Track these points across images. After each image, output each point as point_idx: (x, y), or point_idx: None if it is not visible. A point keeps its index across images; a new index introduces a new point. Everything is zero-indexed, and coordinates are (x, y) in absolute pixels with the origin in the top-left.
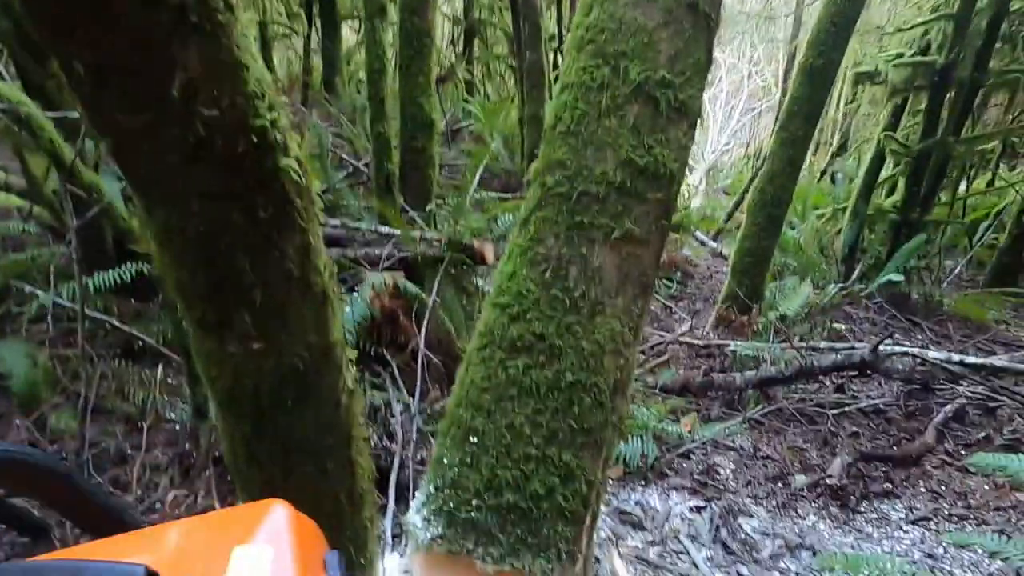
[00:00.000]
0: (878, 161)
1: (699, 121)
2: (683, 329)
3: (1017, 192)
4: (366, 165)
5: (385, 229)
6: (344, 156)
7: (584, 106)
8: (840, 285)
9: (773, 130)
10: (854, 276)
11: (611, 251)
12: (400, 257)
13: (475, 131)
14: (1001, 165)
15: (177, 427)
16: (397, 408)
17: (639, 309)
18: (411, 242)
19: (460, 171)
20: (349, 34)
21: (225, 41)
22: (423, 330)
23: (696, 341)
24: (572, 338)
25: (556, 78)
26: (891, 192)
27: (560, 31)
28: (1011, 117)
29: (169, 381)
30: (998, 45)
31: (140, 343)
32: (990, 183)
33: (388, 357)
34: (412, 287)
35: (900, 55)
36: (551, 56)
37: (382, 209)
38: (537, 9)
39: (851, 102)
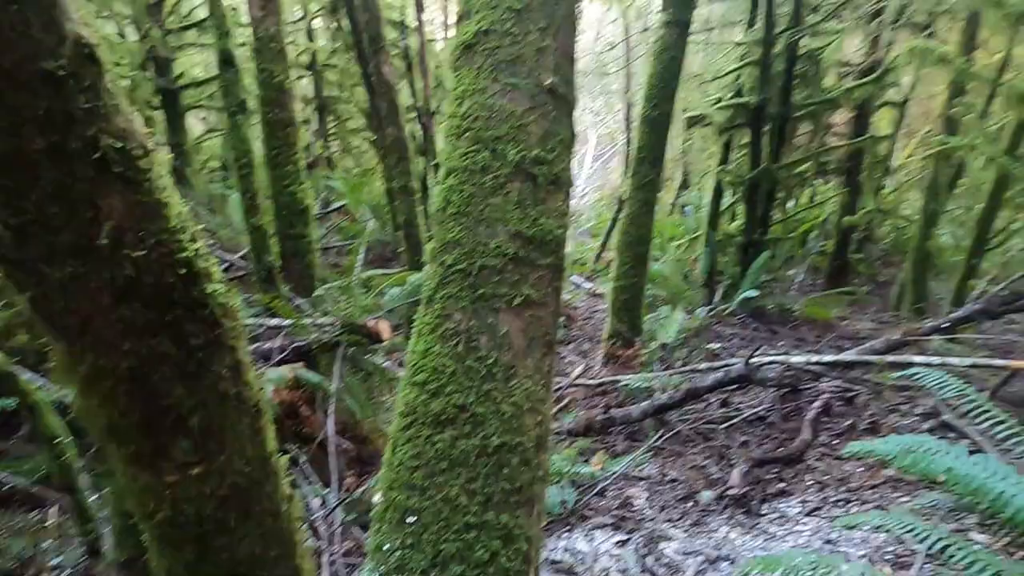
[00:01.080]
0: (718, 192)
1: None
2: (577, 372)
3: (833, 203)
4: (242, 258)
5: (274, 321)
6: (215, 252)
7: (471, 188)
8: (707, 308)
9: (625, 174)
10: (717, 298)
11: (515, 317)
12: (294, 347)
13: (343, 207)
14: (817, 182)
15: (68, 572)
16: (315, 503)
17: (547, 366)
18: (304, 330)
19: (336, 249)
20: (196, 124)
21: (147, 184)
22: (330, 419)
23: (591, 381)
24: (492, 404)
25: (421, 150)
26: (734, 218)
27: (416, 105)
28: (816, 142)
29: (47, 525)
30: (796, 83)
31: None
32: (811, 199)
33: (295, 452)
34: (312, 376)
35: (720, 99)
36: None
37: (268, 302)
38: (393, 87)
39: (687, 142)
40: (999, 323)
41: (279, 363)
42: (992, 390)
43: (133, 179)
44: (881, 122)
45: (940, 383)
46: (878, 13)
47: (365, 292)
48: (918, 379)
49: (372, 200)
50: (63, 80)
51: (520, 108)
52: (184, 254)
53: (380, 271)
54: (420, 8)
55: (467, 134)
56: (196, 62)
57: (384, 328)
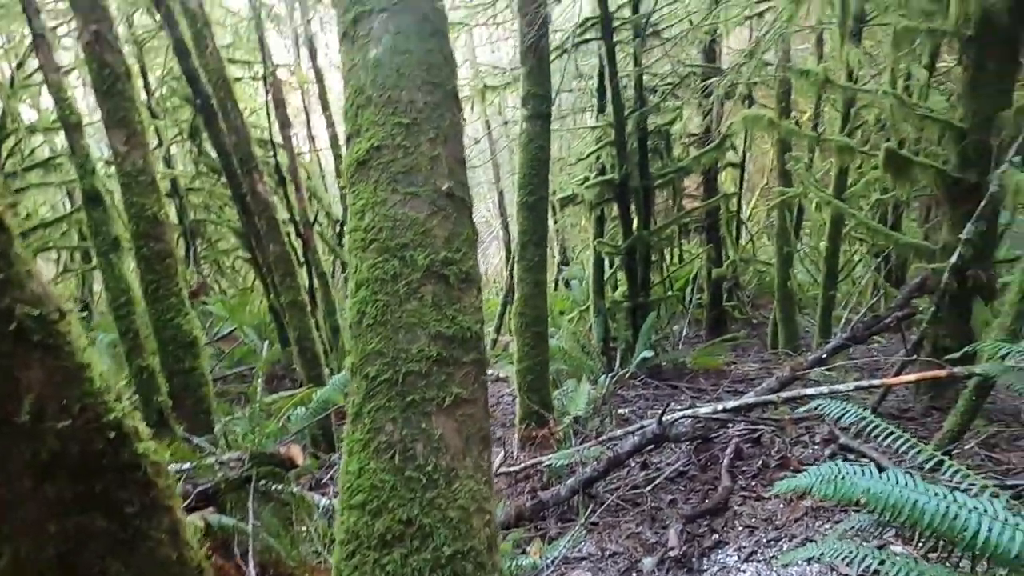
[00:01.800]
0: (599, 263)
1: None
2: (498, 461)
3: (700, 259)
4: (129, 400)
5: (174, 467)
6: None
7: (384, 297)
8: (610, 375)
9: (509, 259)
10: (616, 364)
11: (448, 418)
12: (198, 492)
13: (231, 332)
14: (683, 242)
15: None
16: None
17: (486, 462)
18: (208, 471)
19: (229, 377)
20: (47, 265)
21: (66, 348)
22: (250, 562)
23: (512, 468)
24: (438, 511)
25: (302, 262)
26: (617, 285)
27: (294, 218)
28: (676, 206)
29: None
30: (651, 156)
31: None
32: (680, 257)
33: None
34: (224, 519)
35: (587, 178)
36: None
37: (165, 447)
38: (269, 205)
39: (558, 221)
40: (864, 345)
41: (188, 511)
42: (873, 407)
43: (52, 345)
44: (726, 182)
45: (840, 412)
46: (707, 90)
47: (269, 418)
48: (821, 411)
49: (255, 320)
50: None
51: (422, 214)
52: (111, 415)
53: (285, 393)
54: (286, 124)
55: (373, 245)
56: (40, 201)
57: (296, 453)
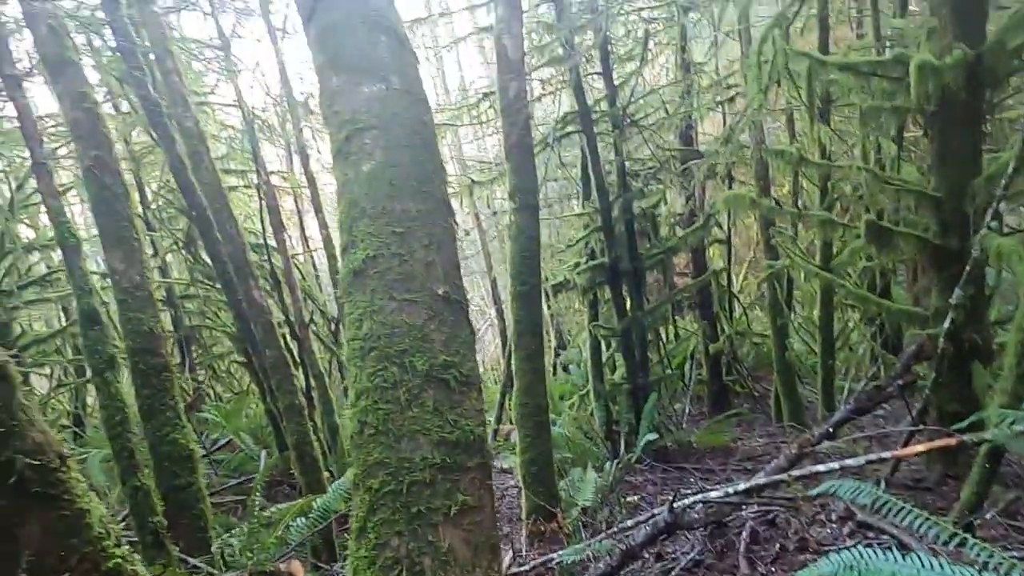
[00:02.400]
0: (596, 346)
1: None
2: (507, 562)
3: (695, 334)
4: (122, 522)
5: None
6: None
7: (385, 405)
8: (615, 461)
9: (505, 346)
10: (621, 449)
11: (455, 528)
12: None
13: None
14: (677, 319)
15: None
16: None
17: (496, 570)
18: None
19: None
20: (39, 381)
21: (66, 497)
22: None
23: (523, 568)
24: None
25: (297, 362)
26: (615, 367)
27: (289, 319)
28: (667, 284)
29: None
30: (640, 238)
31: None
32: (676, 334)
33: None
34: None
35: (578, 263)
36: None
37: (160, 573)
38: (265, 310)
39: (551, 307)
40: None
41: None
42: (886, 479)
43: (52, 495)
44: (715, 257)
45: (854, 492)
46: (687, 172)
47: (268, 528)
48: (833, 492)
49: (252, 425)
50: None
51: (420, 319)
52: (111, 562)
53: (284, 505)
54: (280, 229)
55: (372, 353)
56: (36, 316)
57: (297, 568)
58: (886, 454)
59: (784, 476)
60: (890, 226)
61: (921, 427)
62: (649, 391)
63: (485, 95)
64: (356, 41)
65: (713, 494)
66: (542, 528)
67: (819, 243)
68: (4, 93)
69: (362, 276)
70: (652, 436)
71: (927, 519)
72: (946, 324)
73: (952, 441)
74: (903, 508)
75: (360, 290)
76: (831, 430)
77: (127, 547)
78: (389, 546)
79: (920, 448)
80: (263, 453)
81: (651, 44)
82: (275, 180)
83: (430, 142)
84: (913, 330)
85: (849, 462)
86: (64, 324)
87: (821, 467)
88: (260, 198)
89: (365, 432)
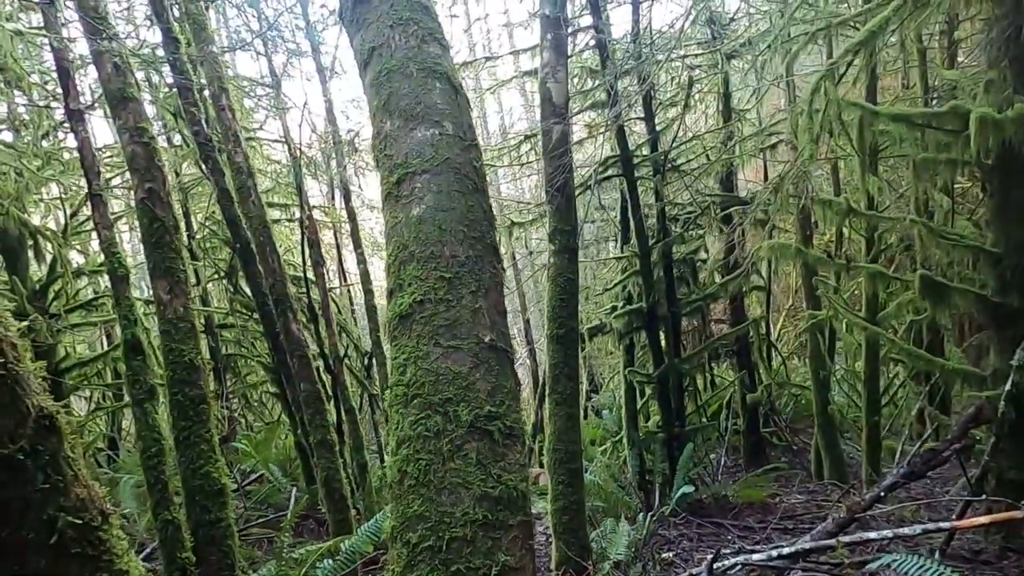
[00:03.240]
0: (631, 392)
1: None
2: None
3: (732, 384)
4: (147, 558)
5: None
6: None
7: (427, 455)
8: (649, 513)
9: (536, 388)
10: (656, 501)
11: None
12: None
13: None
14: (713, 367)
15: None
16: None
17: None
18: None
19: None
20: (78, 402)
21: (106, 558)
22: None
23: None
24: None
25: (330, 396)
26: (649, 416)
27: (324, 352)
28: (704, 332)
29: None
30: (677, 284)
31: None
32: (711, 382)
33: None
34: None
35: (615, 307)
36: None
37: None
38: (303, 343)
39: (584, 350)
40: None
41: None
42: (941, 549)
43: (92, 555)
44: (753, 304)
45: (915, 567)
46: (727, 218)
47: (296, 570)
48: (898, 568)
49: (281, 456)
50: (21, 464)
51: (465, 367)
52: None
53: (312, 546)
54: (319, 263)
55: (415, 400)
56: (79, 340)
57: None
58: (945, 524)
59: (832, 541)
60: (946, 282)
61: (983, 497)
62: (685, 441)
63: (526, 137)
64: (411, 86)
65: (756, 556)
66: None
67: (864, 295)
68: (66, 125)
69: (408, 321)
70: (688, 489)
71: None
72: (1007, 386)
73: (1018, 514)
74: None
75: (405, 335)
76: (883, 494)
77: None
78: None
79: (982, 520)
80: (293, 491)
81: (694, 90)
82: (316, 215)
83: (481, 188)
84: (969, 392)
85: (904, 531)
86: (106, 349)
87: (873, 534)
88: (303, 232)
89: (405, 482)
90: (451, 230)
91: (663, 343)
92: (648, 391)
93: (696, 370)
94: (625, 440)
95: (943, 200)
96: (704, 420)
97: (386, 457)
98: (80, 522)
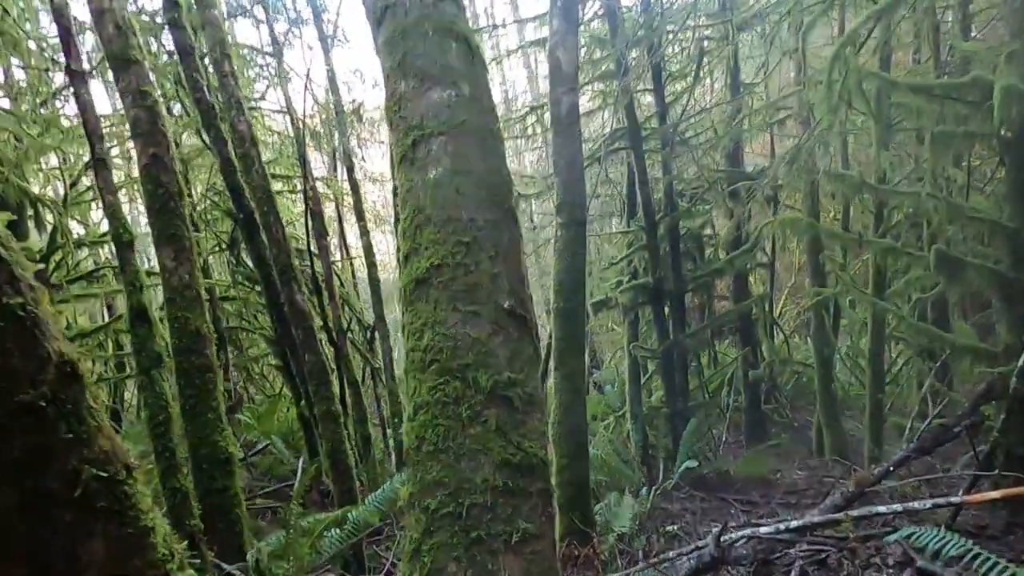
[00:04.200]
0: (635, 367)
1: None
2: None
3: (735, 361)
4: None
5: None
6: None
7: (445, 421)
8: (652, 487)
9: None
10: (660, 475)
11: (515, 557)
12: None
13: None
14: (715, 343)
15: None
16: None
17: None
18: None
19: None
20: None
21: (131, 513)
22: None
23: None
24: None
25: (333, 368)
26: (651, 392)
27: (327, 326)
28: (708, 308)
29: None
30: (683, 259)
31: None
32: (714, 360)
33: None
34: None
35: (620, 282)
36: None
37: None
38: (307, 314)
39: (591, 323)
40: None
41: None
42: (947, 524)
43: (117, 511)
44: (755, 282)
45: (918, 536)
46: (734, 193)
47: (303, 540)
48: (917, 542)
49: (283, 429)
50: (42, 410)
51: (484, 333)
52: None
53: (319, 515)
54: (322, 235)
55: (433, 366)
56: (80, 311)
57: None
58: (955, 499)
59: (841, 516)
60: (961, 256)
61: (995, 472)
62: (688, 416)
63: (532, 109)
64: (426, 46)
65: (763, 530)
66: (576, 553)
67: (872, 272)
68: (65, 93)
69: (425, 285)
70: (692, 464)
71: (996, 565)
72: (1020, 362)
73: None
74: (971, 551)
75: (422, 299)
76: (891, 469)
77: (191, 572)
78: (446, 572)
79: (993, 495)
80: (300, 461)
81: (703, 62)
82: (318, 186)
83: (498, 151)
84: (979, 368)
85: (914, 505)
86: (108, 320)
87: (882, 508)
88: (306, 203)
89: (423, 448)
90: (469, 193)
91: (668, 319)
92: (651, 367)
93: (700, 346)
94: (628, 415)
95: (957, 175)
96: (708, 398)
97: (404, 423)
98: (105, 475)
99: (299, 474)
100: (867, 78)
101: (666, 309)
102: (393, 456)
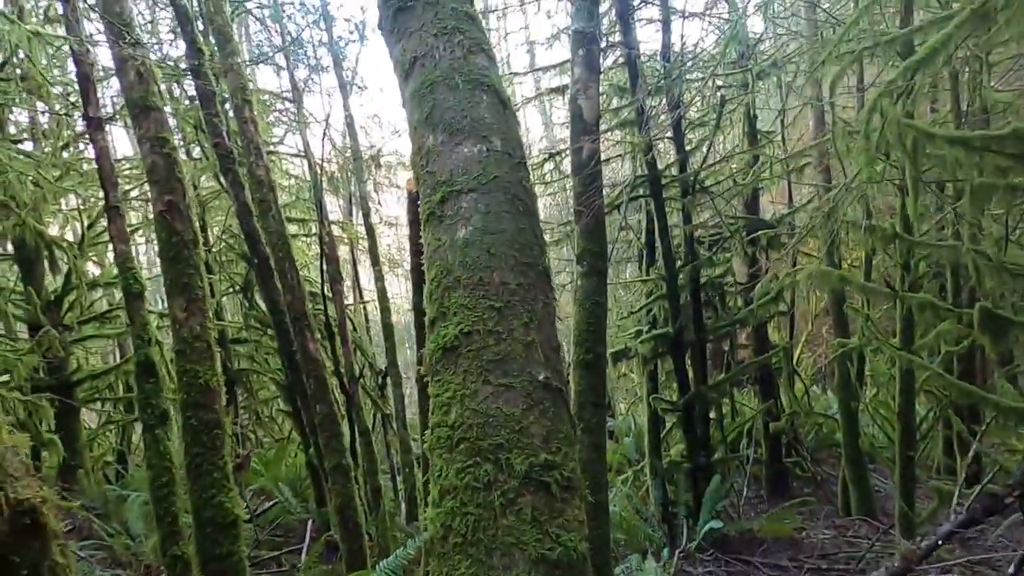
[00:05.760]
0: (655, 420)
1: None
2: None
3: (751, 410)
4: None
5: None
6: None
7: (476, 510)
8: (676, 549)
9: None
10: (681, 535)
11: None
12: None
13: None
14: (736, 392)
15: None
16: None
17: None
18: None
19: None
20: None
21: None
22: None
23: None
24: None
25: (344, 416)
26: (668, 445)
27: (339, 371)
28: (729, 359)
29: None
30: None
31: None
32: (733, 412)
33: None
34: None
35: (640, 332)
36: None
37: None
38: (320, 363)
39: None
40: None
41: None
42: None
43: None
44: (774, 331)
45: None
46: (754, 241)
47: None
48: None
49: (290, 475)
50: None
51: (518, 409)
52: None
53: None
54: (337, 280)
55: (462, 445)
56: (92, 351)
57: None
58: None
59: None
60: (1008, 316)
61: None
62: (710, 471)
63: (550, 156)
64: (456, 99)
65: None
66: None
67: (899, 325)
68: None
69: (453, 354)
70: (716, 524)
71: None
72: None
73: None
74: None
75: (450, 369)
76: (940, 543)
77: None
78: None
79: None
80: (309, 524)
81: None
82: (333, 230)
83: (531, 209)
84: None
85: None
86: (119, 361)
87: None
88: (322, 248)
89: (450, 539)
90: (501, 255)
91: (688, 369)
92: (670, 419)
93: (722, 398)
94: (648, 470)
95: (994, 228)
96: (731, 454)
97: (428, 508)
98: None
99: (307, 540)
100: (904, 129)
101: (687, 360)
102: (404, 507)
